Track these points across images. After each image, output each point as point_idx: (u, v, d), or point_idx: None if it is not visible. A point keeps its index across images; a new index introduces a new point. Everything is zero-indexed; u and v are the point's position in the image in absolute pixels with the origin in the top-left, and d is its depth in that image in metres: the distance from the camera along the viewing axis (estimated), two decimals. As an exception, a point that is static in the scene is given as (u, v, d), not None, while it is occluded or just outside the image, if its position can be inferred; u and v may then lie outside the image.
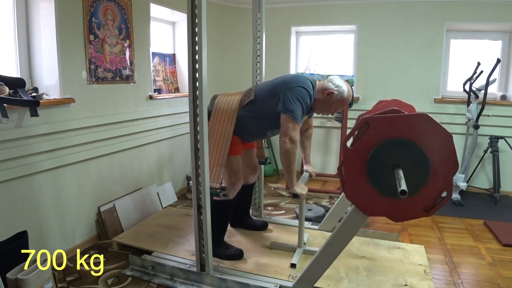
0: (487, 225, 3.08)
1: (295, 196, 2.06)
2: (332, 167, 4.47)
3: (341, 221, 1.69)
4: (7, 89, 2.04)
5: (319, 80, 2.30)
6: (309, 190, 3.88)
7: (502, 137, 3.70)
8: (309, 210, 3.19)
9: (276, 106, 2.13)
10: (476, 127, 3.55)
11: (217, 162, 2.17)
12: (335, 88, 2.17)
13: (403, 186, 1.34)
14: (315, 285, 1.84)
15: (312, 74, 4.42)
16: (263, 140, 2.81)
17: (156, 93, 3.49)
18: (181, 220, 2.95)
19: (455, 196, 3.63)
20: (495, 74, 3.57)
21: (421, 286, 2.06)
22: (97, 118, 2.69)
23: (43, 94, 2.33)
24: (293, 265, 2.24)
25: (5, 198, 2.10)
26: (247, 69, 3.45)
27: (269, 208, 3.49)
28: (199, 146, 1.97)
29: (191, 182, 2.21)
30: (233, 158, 2.29)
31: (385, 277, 2.15)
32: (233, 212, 2.55)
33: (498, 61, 3.39)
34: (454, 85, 4.09)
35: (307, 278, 1.81)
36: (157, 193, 3.38)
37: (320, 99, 2.22)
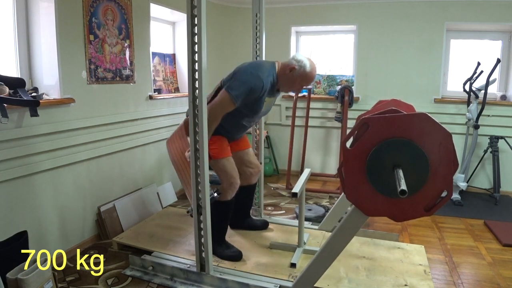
0: (487, 225, 3.08)
1: (294, 195, 2.07)
2: (332, 167, 4.47)
3: (341, 221, 1.69)
4: (7, 89, 2.04)
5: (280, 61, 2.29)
6: (309, 190, 3.90)
7: (502, 137, 3.70)
8: (309, 210, 3.19)
9: None
10: (476, 127, 3.55)
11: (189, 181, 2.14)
12: (296, 64, 2.17)
13: (403, 186, 1.34)
14: (315, 285, 1.84)
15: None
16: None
17: (156, 93, 3.49)
18: (181, 220, 2.95)
19: (455, 196, 3.63)
20: (495, 74, 3.56)
21: (421, 286, 2.06)
22: (97, 118, 2.69)
23: (43, 94, 2.33)
24: (293, 265, 2.25)
25: (5, 198, 2.10)
26: (247, 69, 3.44)
27: (269, 208, 3.49)
28: (199, 146, 1.97)
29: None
30: (224, 160, 2.28)
31: (385, 277, 2.15)
32: (234, 214, 2.54)
33: (498, 61, 3.39)
34: (454, 85, 4.09)
35: (307, 278, 1.80)
36: (157, 193, 3.38)
37: (283, 76, 2.22)
